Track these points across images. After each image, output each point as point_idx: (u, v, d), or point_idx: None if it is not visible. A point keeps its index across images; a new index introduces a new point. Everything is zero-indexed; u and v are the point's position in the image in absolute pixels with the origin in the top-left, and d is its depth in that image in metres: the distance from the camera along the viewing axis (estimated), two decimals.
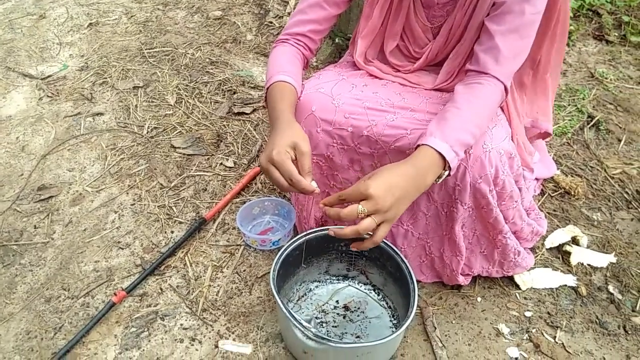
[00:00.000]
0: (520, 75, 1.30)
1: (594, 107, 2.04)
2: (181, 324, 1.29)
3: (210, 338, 1.26)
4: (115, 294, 1.32)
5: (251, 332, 1.27)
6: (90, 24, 2.61)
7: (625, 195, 1.76)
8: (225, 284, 1.38)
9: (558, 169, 1.79)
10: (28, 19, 2.68)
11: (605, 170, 1.82)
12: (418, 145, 0.97)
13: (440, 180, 1.00)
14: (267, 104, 1.14)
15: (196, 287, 1.38)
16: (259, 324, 1.28)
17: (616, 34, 2.42)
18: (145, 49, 2.37)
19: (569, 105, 2.03)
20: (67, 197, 1.66)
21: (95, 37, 2.50)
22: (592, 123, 1.97)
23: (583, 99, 2.05)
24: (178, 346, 1.24)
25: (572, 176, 1.78)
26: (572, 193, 1.70)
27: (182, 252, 1.47)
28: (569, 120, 1.97)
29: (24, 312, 1.32)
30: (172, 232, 1.53)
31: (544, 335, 1.28)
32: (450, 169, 0.97)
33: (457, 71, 1.18)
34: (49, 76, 2.24)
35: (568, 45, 2.34)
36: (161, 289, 1.37)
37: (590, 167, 1.83)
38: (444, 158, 0.95)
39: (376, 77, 1.25)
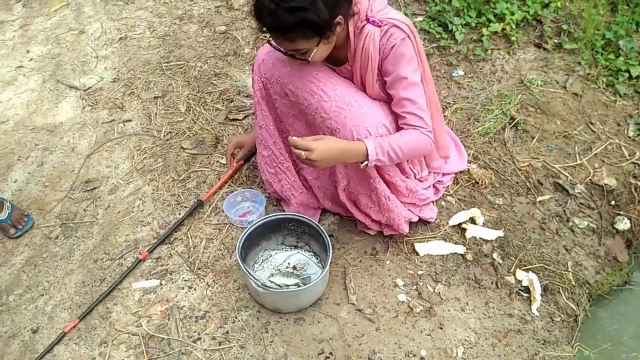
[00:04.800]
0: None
1: (517, 110, 2.52)
2: (183, 277, 1.91)
3: (201, 287, 1.88)
4: (140, 253, 1.95)
5: (229, 283, 1.88)
6: (121, 38, 3.19)
7: (527, 183, 2.27)
8: (214, 251, 2.00)
9: (474, 163, 2.30)
10: (70, 34, 3.28)
11: (514, 163, 2.33)
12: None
13: (362, 165, 1.61)
14: None
15: (194, 253, 1.99)
16: (234, 278, 1.90)
17: (554, 42, 2.85)
18: (164, 62, 2.95)
19: (496, 109, 2.52)
20: (106, 187, 2.29)
21: (124, 51, 3.09)
22: (512, 124, 2.46)
23: (509, 104, 2.53)
24: (180, 292, 1.87)
25: (485, 169, 2.29)
26: (481, 183, 2.23)
27: (186, 229, 2.08)
28: (494, 122, 2.47)
29: (80, 269, 1.97)
30: (180, 214, 2.14)
31: (427, 287, 1.85)
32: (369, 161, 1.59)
33: None
34: (89, 87, 2.85)
35: (509, 53, 2.80)
36: (170, 254, 2.00)
37: (503, 161, 2.34)
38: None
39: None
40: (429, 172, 2.01)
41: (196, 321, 1.78)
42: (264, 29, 1.49)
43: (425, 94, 1.68)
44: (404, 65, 1.59)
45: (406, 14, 2.98)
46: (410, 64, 1.60)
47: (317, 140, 1.54)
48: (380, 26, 1.55)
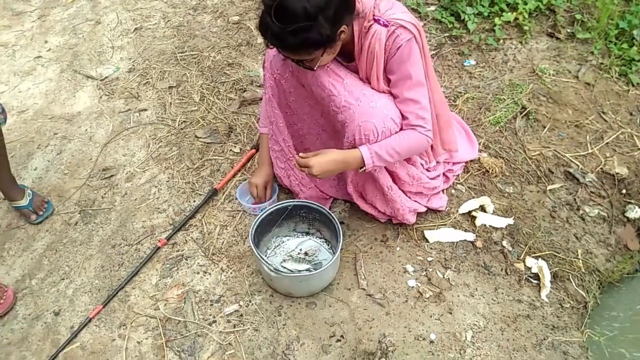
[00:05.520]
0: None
1: (529, 99, 2.52)
2: (198, 263, 1.97)
3: (216, 272, 1.93)
4: (159, 241, 2.01)
5: (242, 268, 1.93)
6: (136, 28, 3.24)
7: (538, 172, 2.28)
8: (228, 237, 2.04)
9: (485, 151, 2.32)
10: (87, 24, 3.33)
11: (525, 152, 2.34)
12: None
13: (361, 170, 1.68)
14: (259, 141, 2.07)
15: (209, 239, 2.04)
16: (248, 263, 1.95)
17: (567, 31, 2.84)
18: (178, 53, 2.99)
19: (507, 98, 2.53)
20: (123, 175, 2.34)
21: (139, 41, 3.13)
22: (524, 113, 2.47)
23: (521, 93, 2.54)
24: (195, 276, 1.92)
25: (495, 158, 2.31)
26: (491, 171, 2.24)
27: (200, 215, 2.13)
28: (505, 111, 2.48)
29: (99, 254, 2.03)
30: (194, 201, 2.19)
31: (436, 273, 1.88)
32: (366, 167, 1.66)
33: None
34: (105, 77, 2.90)
35: (521, 43, 2.80)
36: (186, 240, 2.05)
37: (514, 150, 2.35)
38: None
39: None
40: (439, 162, 2.04)
41: (211, 305, 1.84)
42: (269, 45, 1.54)
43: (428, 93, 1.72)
44: (409, 65, 1.62)
45: (419, 4, 2.99)
46: (415, 65, 1.62)
47: (315, 155, 1.65)
48: (387, 26, 1.58)
